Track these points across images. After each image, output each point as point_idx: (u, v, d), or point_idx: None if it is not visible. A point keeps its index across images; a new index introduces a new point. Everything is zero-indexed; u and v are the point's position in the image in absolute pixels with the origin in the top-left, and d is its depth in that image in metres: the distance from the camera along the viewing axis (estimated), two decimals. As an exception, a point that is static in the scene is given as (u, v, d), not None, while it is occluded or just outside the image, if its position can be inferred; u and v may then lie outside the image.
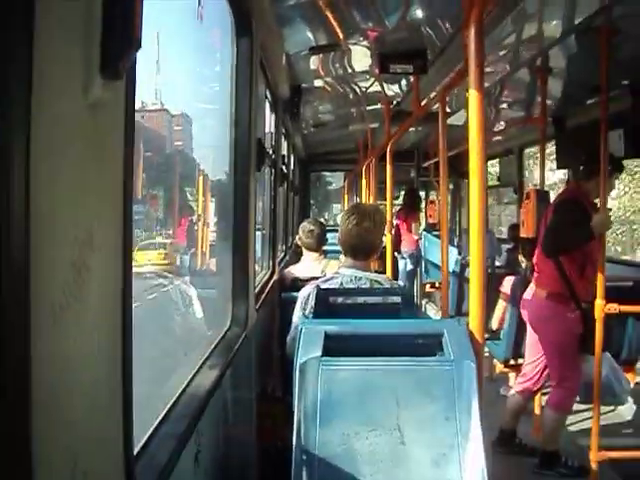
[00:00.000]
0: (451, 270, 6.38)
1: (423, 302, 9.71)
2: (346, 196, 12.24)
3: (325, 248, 5.14)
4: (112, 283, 1.11)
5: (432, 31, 4.19)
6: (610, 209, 4.26)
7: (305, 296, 3.25)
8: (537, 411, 5.10)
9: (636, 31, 3.74)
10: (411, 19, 3.93)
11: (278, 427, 3.42)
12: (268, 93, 4.77)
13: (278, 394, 3.87)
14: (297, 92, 5.48)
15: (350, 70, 5.29)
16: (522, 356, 4.99)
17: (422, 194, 11.24)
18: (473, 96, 2.29)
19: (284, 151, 6.36)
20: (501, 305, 5.70)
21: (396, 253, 9.98)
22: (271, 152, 4.96)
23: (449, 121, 5.03)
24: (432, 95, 4.97)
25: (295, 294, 3.51)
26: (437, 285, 8.78)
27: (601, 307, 4.03)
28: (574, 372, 4.40)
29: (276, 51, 4.19)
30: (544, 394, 4.81)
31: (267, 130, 5.14)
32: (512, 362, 5.32)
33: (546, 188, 5.71)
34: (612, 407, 5.70)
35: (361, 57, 4.88)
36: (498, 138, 8.46)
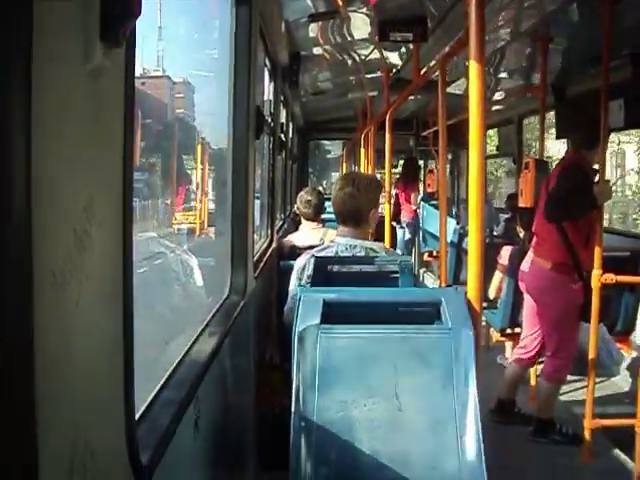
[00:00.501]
0: (449, 240, 6.39)
1: (421, 271, 9.74)
2: (344, 165, 12.22)
3: (324, 217, 5.15)
4: (113, 251, 1.12)
5: (433, -2, 4.16)
6: (609, 180, 4.25)
7: (301, 266, 3.26)
8: (533, 381, 5.15)
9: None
10: (412, -14, 3.89)
11: (276, 394, 3.45)
12: (267, 61, 4.73)
13: (276, 361, 3.90)
14: (296, 60, 5.44)
15: (349, 38, 5.25)
16: (519, 325, 5.02)
17: (421, 163, 11.21)
18: (473, 65, 2.27)
19: (283, 119, 6.33)
20: (498, 275, 5.72)
21: (395, 223, 10.01)
22: (270, 120, 4.94)
23: (448, 90, 5.00)
24: (432, 63, 4.94)
25: (293, 262, 3.53)
26: (435, 254, 8.80)
27: (598, 277, 4.05)
28: (571, 343, 4.44)
29: (275, 18, 4.15)
30: (539, 363, 4.84)
31: (266, 98, 5.11)
32: (509, 331, 5.36)
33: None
34: (605, 378, 5.77)
35: (361, 24, 4.84)
36: (498, 107, 8.42)
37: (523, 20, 4.61)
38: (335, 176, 18.35)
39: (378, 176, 8.15)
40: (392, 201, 10.57)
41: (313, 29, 4.99)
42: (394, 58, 5.97)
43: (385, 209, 6.26)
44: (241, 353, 3.09)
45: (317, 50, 5.66)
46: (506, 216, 7.69)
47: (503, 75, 6.70)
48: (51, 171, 0.85)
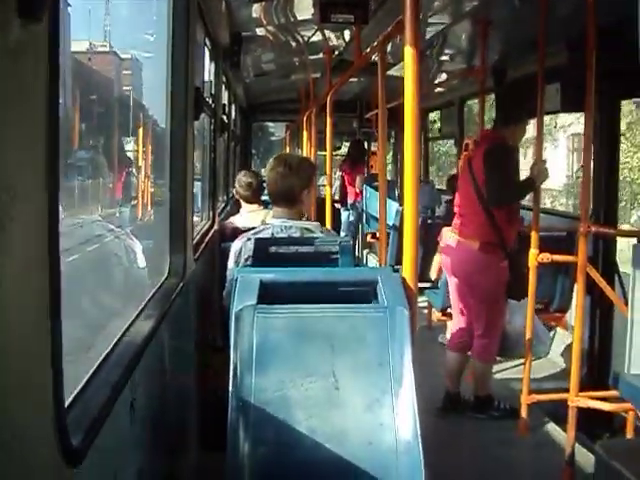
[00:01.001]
0: (391, 222, 6.44)
1: (365, 253, 9.81)
2: (288, 147, 12.20)
3: (265, 199, 5.15)
4: (38, 233, 1.10)
5: (374, -20, 4.17)
6: (545, 160, 4.34)
7: (237, 249, 3.24)
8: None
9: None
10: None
11: (219, 377, 3.44)
12: (207, 41, 4.68)
13: (219, 344, 3.89)
14: (238, 40, 5.39)
15: (293, 19, 5.23)
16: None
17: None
18: (409, 48, 2.29)
19: (225, 100, 6.28)
20: (439, 256, 5.80)
21: (340, 205, 10.05)
22: (211, 101, 4.89)
23: (391, 72, 5.04)
24: (373, 45, 4.96)
25: None
26: (378, 236, 8.87)
27: (535, 256, 4.15)
28: (499, 321, 4.53)
29: None
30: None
31: (207, 79, 5.06)
32: (449, 311, 5.45)
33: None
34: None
35: (304, 5, 4.83)
36: (440, 90, 8.50)
37: (464, 2, 4.66)
38: (280, 158, 18.14)
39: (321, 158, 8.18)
40: (338, 183, 10.65)
41: (256, 10, 4.96)
42: (337, 40, 5.97)
43: (326, 191, 6.30)
44: (181, 335, 3.08)
45: (260, 31, 5.63)
46: (448, 197, 7.78)
47: (445, 58, 6.76)
48: None
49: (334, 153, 14.36)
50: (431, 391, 4.67)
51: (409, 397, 2.17)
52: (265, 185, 3.72)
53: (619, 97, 5.00)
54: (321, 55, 6.42)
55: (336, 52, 6.29)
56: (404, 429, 2.14)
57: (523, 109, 4.44)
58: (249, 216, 4.90)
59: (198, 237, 4.02)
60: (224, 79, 6.00)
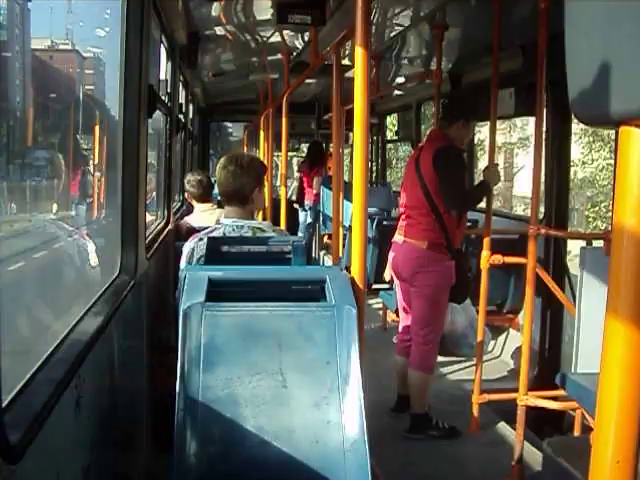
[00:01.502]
0: (347, 223, 6.49)
1: (321, 254, 9.85)
2: (246, 147, 12.18)
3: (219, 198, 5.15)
4: None
5: (331, -19, 4.19)
6: (497, 163, 4.41)
7: (190, 249, 3.22)
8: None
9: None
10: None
11: (172, 378, 3.44)
12: (164, 39, 4.66)
13: (172, 343, 3.87)
14: (195, 39, 5.37)
15: (252, 19, 5.23)
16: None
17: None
18: (359, 49, 2.32)
19: (182, 99, 6.25)
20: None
21: (298, 206, 10.07)
22: (167, 100, 4.87)
23: (349, 74, 5.06)
24: (329, 47, 4.99)
25: None
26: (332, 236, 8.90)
27: (486, 258, 4.22)
28: (438, 328, 4.41)
29: None
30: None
31: (163, 77, 5.03)
32: (403, 312, 5.50)
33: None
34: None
35: (262, 6, 4.83)
36: (398, 93, 8.58)
37: (421, 7, 4.71)
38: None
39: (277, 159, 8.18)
40: (296, 184, 10.67)
41: (215, 8, 4.94)
42: (296, 41, 5.99)
43: (281, 191, 6.33)
44: (132, 334, 3.06)
45: (219, 30, 5.61)
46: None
47: (403, 61, 6.83)
48: None
49: (294, 155, 14.42)
50: (384, 392, 4.71)
51: (356, 395, 2.19)
52: (216, 184, 3.71)
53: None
54: (279, 56, 6.44)
55: (294, 53, 6.30)
56: (351, 427, 2.16)
57: (468, 109, 4.47)
58: (203, 215, 4.89)
59: (152, 236, 4.00)
60: (181, 78, 5.97)
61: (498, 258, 4.22)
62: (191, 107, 7.94)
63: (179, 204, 6.52)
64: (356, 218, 2.40)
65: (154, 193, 5.39)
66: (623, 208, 0.88)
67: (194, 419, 2.12)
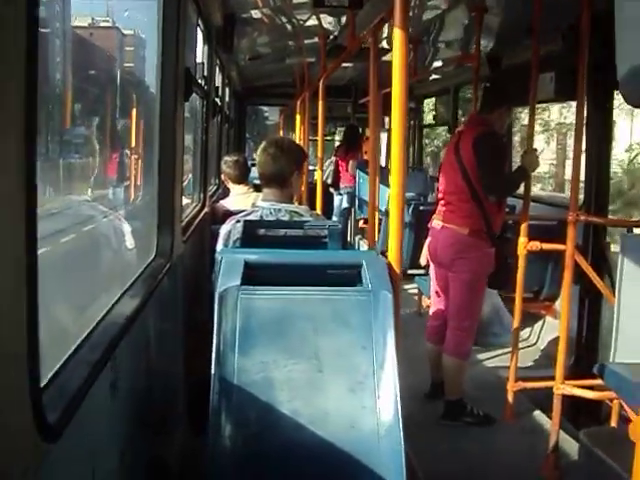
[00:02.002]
0: (384, 207, 6.45)
1: (357, 238, 9.82)
2: (282, 131, 12.17)
3: (256, 182, 5.15)
4: (13, 208, 1.09)
5: (369, -36, 4.14)
6: (536, 149, 4.34)
7: (226, 232, 3.24)
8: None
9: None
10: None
11: (207, 360, 3.46)
12: (200, 22, 4.65)
13: (209, 327, 3.89)
14: (231, 22, 5.35)
15: (288, 1, 5.20)
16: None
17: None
18: (398, 31, 2.28)
19: (218, 83, 6.25)
20: (429, 242, 5.80)
21: (334, 190, 10.05)
22: (203, 83, 4.87)
23: (386, 58, 5.01)
24: (367, 30, 4.94)
25: None
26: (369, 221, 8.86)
27: (524, 244, 4.16)
28: (474, 314, 4.38)
29: None
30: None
31: (200, 60, 5.03)
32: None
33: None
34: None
35: (299, -12, 4.80)
36: (436, 77, 8.49)
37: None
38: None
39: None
40: (332, 168, 10.64)
41: (251, -10, 4.93)
42: (333, 24, 5.94)
43: (317, 175, 6.32)
44: (168, 316, 3.08)
45: (255, 13, 5.59)
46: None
47: (441, 45, 6.74)
48: None
49: (329, 138, 14.38)
50: (419, 377, 4.69)
51: (391, 380, 2.18)
52: (255, 166, 3.72)
53: (612, 86, 4.99)
54: (316, 39, 6.40)
55: (331, 37, 6.26)
56: (386, 412, 2.15)
57: (511, 95, 4.40)
58: (239, 198, 4.90)
59: (188, 219, 4.01)
60: (217, 61, 5.97)
61: (536, 245, 4.16)
62: (227, 90, 7.95)
63: (215, 187, 6.54)
64: (393, 203, 2.37)
65: (190, 175, 5.40)
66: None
67: (229, 402, 2.13)
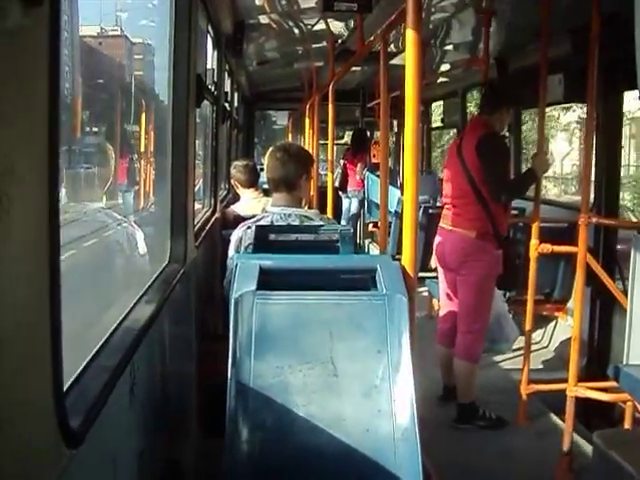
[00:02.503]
0: (393, 210, 6.45)
1: (366, 242, 9.82)
2: (290, 135, 12.19)
3: (265, 187, 5.16)
4: (37, 215, 1.11)
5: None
6: (546, 151, 4.34)
7: (238, 237, 3.26)
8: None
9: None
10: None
11: (220, 365, 3.47)
12: (210, 28, 4.68)
13: (220, 332, 3.91)
14: (240, 28, 5.38)
15: (296, 7, 5.22)
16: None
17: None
18: (411, 33, 2.29)
19: (227, 88, 6.27)
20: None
21: (341, 193, 10.05)
22: (213, 89, 4.89)
23: (394, 61, 5.03)
24: (376, 34, 4.95)
25: None
26: (380, 224, 8.86)
27: (535, 247, 4.16)
28: (484, 316, 4.35)
29: None
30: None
31: (209, 66, 5.06)
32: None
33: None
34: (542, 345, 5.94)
35: (307, -7, 4.82)
36: (444, 80, 8.49)
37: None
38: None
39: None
40: (339, 171, 10.66)
41: (260, -3, 4.95)
42: (341, 28, 5.96)
43: (328, 178, 6.33)
44: (181, 321, 3.10)
45: (263, 19, 5.61)
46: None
47: (448, 48, 6.75)
48: None
49: (337, 142, 14.39)
50: (432, 380, 4.69)
51: (407, 384, 2.19)
52: (263, 171, 3.76)
53: (622, 88, 4.99)
54: (324, 44, 6.41)
55: (339, 41, 6.27)
56: (402, 416, 2.16)
57: (511, 96, 4.41)
58: (251, 203, 4.92)
59: (199, 224, 4.03)
60: (227, 67, 6.00)
61: (547, 247, 4.15)
62: (236, 96, 7.97)
63: (225, 192, 6.56)
64: (407, 206, 2.38)
65: (201, 181, 5.43)
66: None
67: (245, 406, 2.14)
